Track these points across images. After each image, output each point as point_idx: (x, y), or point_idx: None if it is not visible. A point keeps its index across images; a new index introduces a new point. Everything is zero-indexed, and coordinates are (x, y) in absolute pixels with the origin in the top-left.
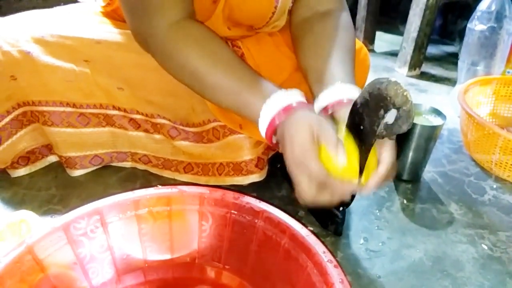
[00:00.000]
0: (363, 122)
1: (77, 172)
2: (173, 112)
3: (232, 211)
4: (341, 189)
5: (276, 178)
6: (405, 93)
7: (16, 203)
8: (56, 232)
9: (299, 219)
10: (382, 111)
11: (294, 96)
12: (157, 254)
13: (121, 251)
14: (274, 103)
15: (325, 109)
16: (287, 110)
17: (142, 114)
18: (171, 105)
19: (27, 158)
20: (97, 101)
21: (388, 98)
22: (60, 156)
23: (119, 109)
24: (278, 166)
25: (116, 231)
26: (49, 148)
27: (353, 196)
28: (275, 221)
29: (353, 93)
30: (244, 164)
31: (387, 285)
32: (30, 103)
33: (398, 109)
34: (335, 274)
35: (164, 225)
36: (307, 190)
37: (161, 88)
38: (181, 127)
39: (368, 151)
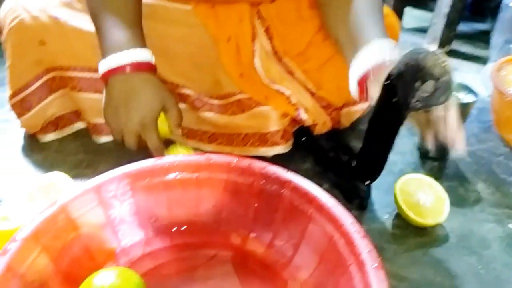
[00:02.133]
0: (397, 95)
1: (103, 139)
2: (198, 83)
3: (259, 180)
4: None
5: (300, 151)
6: (444, 64)
7: (47, 166)
8: (88, 193)
9: None
10: (418, 83)
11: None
12: (183, 219)
13: (149, 215)
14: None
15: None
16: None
17: (167, 83)
18: (196, 77)
19: (55, 124)
20: None
21: (426, 68)
22: (87, 123)
23: None
24: (303, 139)
25: (144, 195)
26: (77, 115)
27: (378, 171)
28: (302, 191)
29: (391, 52)
30: (270, 135)
31: (411, 259)
32: (59, 68)
33: (436, 80)
34: (362, 244)
35: (191, 191)
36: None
37: (186, 60)
38: (205, 98)
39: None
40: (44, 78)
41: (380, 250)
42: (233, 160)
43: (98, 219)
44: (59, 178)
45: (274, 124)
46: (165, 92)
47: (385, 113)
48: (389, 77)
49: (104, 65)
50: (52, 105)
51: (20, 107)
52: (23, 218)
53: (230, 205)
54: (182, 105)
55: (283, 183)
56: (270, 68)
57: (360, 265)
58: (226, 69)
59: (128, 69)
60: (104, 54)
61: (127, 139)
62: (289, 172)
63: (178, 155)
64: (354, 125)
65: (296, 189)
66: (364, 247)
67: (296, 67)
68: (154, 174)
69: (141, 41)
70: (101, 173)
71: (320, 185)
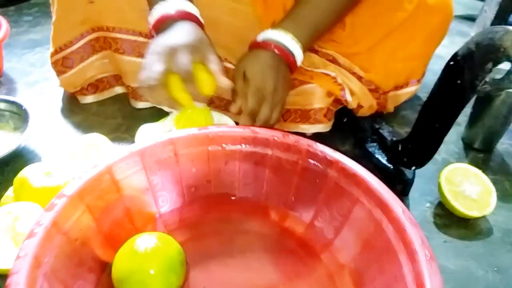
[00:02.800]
0: (461, 77)
1: (141, 104)
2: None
3: (305, 158)
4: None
5: (340, 132)
6: None
7: (85, 128)
8: (133, 157)
9: None
10: (490, 64)
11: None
12: (223, 191)
13: (190, 184)
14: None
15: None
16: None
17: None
18: (241, 51)
19: (95, 86)
20: None
21: (502, 49)
22: (127, 86)
23: None
24: (345, 120)
25: (187, 163)
26: (116, 79)
27: (428, 157)
28: (350, 172)
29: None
30: (313, 112)
31: (453, 250)
32: (104, 29)
33: None
34: (414, 233)
35: (233, 164)
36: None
37: (232, 33)
38: None
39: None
40: (88, 38)
41: None
42: (279, 135)
43: (140, 183)
44: (100, 139)
45: (318, 101)
46: (209, 41)
47: (446, 95)
48: (454, 57)
49: (153, 15)
50: (93, 66)
51: (61, 65)
52: (65, 176)
53: (272, 181)
54: None
55: (330, 162)
56: (310, 57)
57: (412, 254)
58: None
59: (175, 15)
60: (152, 4)
61: (150, 74)
62: (336, 152)
63: (222, 126)
64: (397, 109)
65: (343, 170)
66: (416, 236)
67: (338, 55)
68: (198, 143)
69: None
70: None
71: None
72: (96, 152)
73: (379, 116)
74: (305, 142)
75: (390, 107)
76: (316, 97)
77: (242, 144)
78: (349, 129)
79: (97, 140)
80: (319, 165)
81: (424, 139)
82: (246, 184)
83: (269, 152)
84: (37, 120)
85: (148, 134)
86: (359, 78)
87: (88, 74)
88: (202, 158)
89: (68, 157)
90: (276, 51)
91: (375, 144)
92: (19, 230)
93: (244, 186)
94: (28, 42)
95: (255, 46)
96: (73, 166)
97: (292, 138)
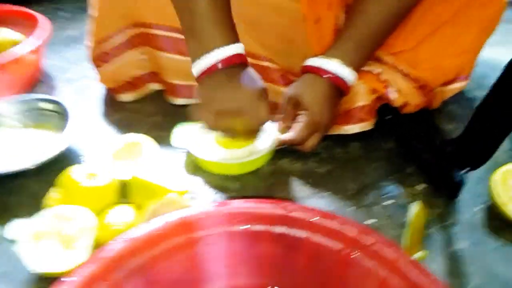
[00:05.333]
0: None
1: (179, 101)
2: (284, 58)
3: (351, 248)
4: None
5: (383, 130)
6: None
7: (124, 126)
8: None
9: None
10: None
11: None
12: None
13: None
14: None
15: None
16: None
17: (252, 56)
18: (285, 51)
19: (133, 84)
20: None
21: None
22: (164, 82)
23: None
24: (388, 117)
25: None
26: (152, 76)
27: (485, 158)
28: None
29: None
30: (356, 110)
31: (505, 256)
32: (145, 25)
33: None
34: None
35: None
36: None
37: (276, 32)
38: (291, 76)
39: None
40: (128, 33)
41: (470, 244)
42: (318, 216)
43: None
44: (142, 138)
45: (362, 98)
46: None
47: (510, 91)
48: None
49: (197, 68)
50: (131, 62)
51: (100, 59)
52: (110, 176)
53: (306, 271)
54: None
55: (385, 261)
56: None
57: None
58: (313, 49)
59: (220, 66)
60: (194, 57)
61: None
62: (397, 247)
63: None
64: (441, 104)
65: (401, 273)
66: None
67: (381, 53)
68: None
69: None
70: None
71: (403, 167)
72: (139, 152)
73: (424, 112)
74: (354, 228)
75: (436, 104)
76: (359, 94)
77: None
78: (392, 126)
79: (139, 139)
80: (369, 260)
81: (481, 139)
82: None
83: (304, 235)
84: (77, 119)
85: (184, 136)
86: (406, 75)
87: (126, 70)
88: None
89: (111, 158)
90: (330, 79)
91: (420, 142)
92: (67, 233)
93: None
94: (66, 39)
95: (309, 70)
96: (116, 167)
97: (336, 223)
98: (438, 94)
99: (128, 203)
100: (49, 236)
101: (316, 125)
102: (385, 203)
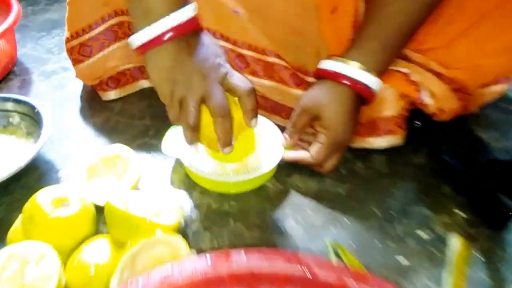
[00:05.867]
0: None
1: None
2: (294, 53)
3: None
4: None
5: (412, 140)
6: None
7: (109, 130)
8: None
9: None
10: None
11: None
12: None
13: None
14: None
15: None
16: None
17: (255, 49)
18: (294, 44)
19: (117, 79)
20: (205, 24)
21: None
22: None
23: (227, 39)
24: (417, 125)
25: None
26: (141, 71)
27: None
28: None
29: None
30: (382, 121)
31: None
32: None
33: None
34: None
35: None
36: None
37: (285, 22)
38: (302, 75)
39: None
40: (111, 22)
41: None
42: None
43: None
44: (125, 151)
45: (389, 106)
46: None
47: None
48: None
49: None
50: (115, 55)
51: (78, 53)
52: (84, 201)
53: None
54: (266, 82)
55: None
56: None
57: None
58: (328, 44)
59: (165, 37)
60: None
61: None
62: None
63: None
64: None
65: None
66: None
67: (408, 50)
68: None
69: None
70: None
71: (438, 185)
72: (121, 167)
73: (460, 119)
74: None
75: (472, 108)
76: (386, 101)
77: None
78: (423, 136)
79: (122, 152)
80: None
81: None
82: None
83: None
84: (53, 123)
85: (177, 142)
86: (438, 75)
87: (108, 65)
88: None
89: (87, 175)
90: (352, 87)
91: (458, 157)
92: (28, 280)
93: None
94: (45, 23)
95: (326, 76)
96: (92, 188)
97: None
98: (478, 96)
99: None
100: (7, 283)
101: (337, 146)
102: (417, 233)
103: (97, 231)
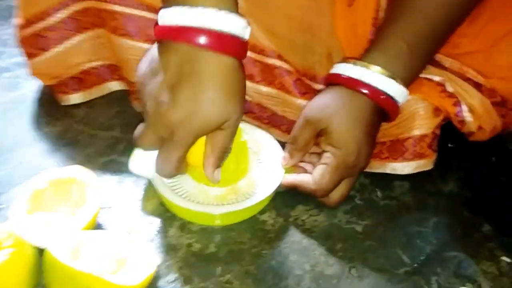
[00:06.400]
0: None
1: None
2: (300, 54)
3: None
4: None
5: (440, 164)
6: None
7: (67, 143)
8: None
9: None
10: None
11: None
12: None
13: None
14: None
15: None
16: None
17: (253, 49)
18: (300, 43)
19: (80, 79)
20: None
21: None
22: (128, 83)
23: None
24: (450, 146)
25: None
26: (111, 70)
27: None
28: None
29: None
30: (411, 142)
31: None
32: None
33: None
34: None
35: None
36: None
37: (291, 15)
38: (306, 80)
39: None
40: (73, 8)
41: None
42: None
43: None
44: (83, 175)
45: (421, 124)
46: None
47: None
48: None
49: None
50: (78, 50)
51: (33, 45)
52: (19, 243)
53: None
54: (264, 88)
55: None
56: None
57: None
58: (342, 44)
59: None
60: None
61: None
62: None
63: None
64: None
65: None
66: None
67: (441, 56)
68: None
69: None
70: None
71: (476, 224)
72: (76, 195)
73: (498, 139)
74: None
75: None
76: (417, 117)
77: None
78: (455, 158)
79: (79, 175)
80: None
81: None
82: None
83: None
84: None
85: (145, 164)
86: (477, 86)
87: (70, 62)
88: None
89: (29, 205)
90: (373, 98)
91: (500, 188)
92: None
93: None
94: (2, 10)
95: (339, 82)
96: (36, 222)
97: None
98: None
99: None
100: None
101: (348, 170)
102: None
103: (38, 286)
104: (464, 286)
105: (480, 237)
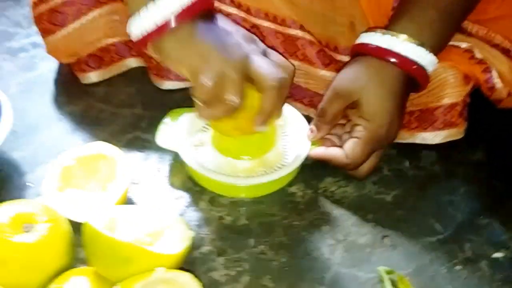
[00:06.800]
0: None
1: (167, 85)
2: (321, 24)
3: None
4: None
5: (468, 133)
6: None
7: (89, 122)
8: None
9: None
10: None
11: None
12: None
13: None
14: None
15: None
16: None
17: (274, 20)
18: (322, 13)
19: (99, 58)
20: None
21: None
22: (147, 60)
23: (239, 6)
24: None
25: None
26: (129, 47)
27: None
28: None
29: None
30: (441, 111)
31: None
32: None
33: None
34: None
35: None
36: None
37: None
38: (329, 51)
39: None
40: None
41: None
42: None
43: None
44: (109, 151)
45: (452, 92)
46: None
47: None
48: None
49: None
50: (95, 26)
51: (48, 21)
52: (55, 219)
53: None
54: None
55: None
56: None
57: None
58: (366, 12)
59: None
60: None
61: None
62: None
63: None
64: None
65: None
66: None
67: (467, 22)
68: None
69: None
70: None
71: (507, 192)
72: (106, 172)
73: None
74: None
75: None
76: (447, 86)
77: None
78: (482, 127)
79: (106, 151)
80: None
81: None
82: None
83: None
84: (19, 112)
85: (176, 133)
86: (505, 52)
87: (88, 38)
88: None
89: (60, 182)
90: (403, 68)
91: None
92: None
93: None
94: None
95: (367, 52)
96: (68, 199)
97: None
98: None
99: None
100: None
101: (379, 143)
102: (491, 254)
103: (74, 260)
104: (498, 251)
105: (511, 205)
